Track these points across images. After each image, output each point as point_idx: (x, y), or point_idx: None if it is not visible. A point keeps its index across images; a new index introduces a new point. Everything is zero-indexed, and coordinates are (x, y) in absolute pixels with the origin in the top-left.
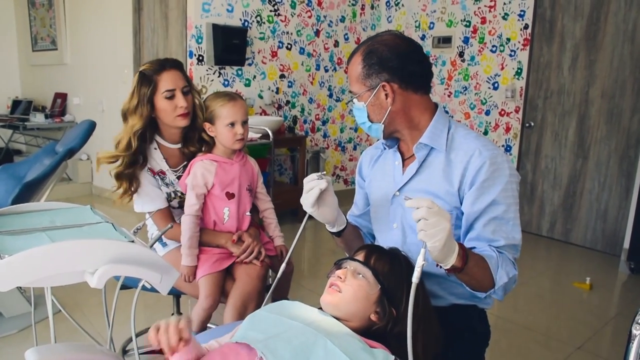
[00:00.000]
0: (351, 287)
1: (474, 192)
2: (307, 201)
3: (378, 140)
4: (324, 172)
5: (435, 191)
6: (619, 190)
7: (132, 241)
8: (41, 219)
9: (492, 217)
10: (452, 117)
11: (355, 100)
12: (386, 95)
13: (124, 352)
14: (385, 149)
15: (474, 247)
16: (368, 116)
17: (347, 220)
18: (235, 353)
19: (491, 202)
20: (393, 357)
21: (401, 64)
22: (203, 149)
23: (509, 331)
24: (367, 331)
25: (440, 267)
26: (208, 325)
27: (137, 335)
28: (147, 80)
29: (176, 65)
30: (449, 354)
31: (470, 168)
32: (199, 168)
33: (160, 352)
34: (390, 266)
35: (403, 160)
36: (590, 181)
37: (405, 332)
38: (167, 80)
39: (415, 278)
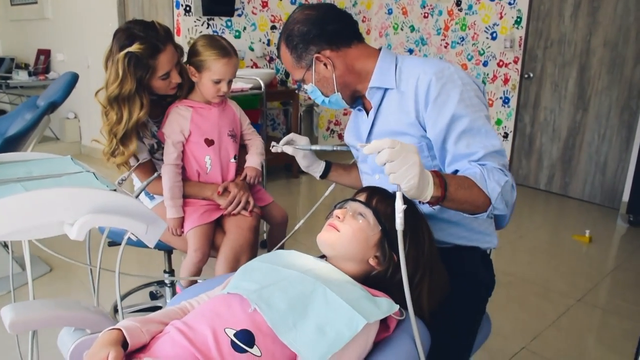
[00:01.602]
0: (350, 227)
1: (430, 113)
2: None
3: None
4: (273, 144)
5: (397, 128)
6: (619, 142)
7: (114, 190)
8: (17, 170)
9: (460, 131)
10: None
11: (304, 86)
12: (325, 65)
13: (115, 310)
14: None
15: (457, 171)
16: (322, 93)
17: (331, 165)
18: (227, 305)
19: (452, 118)
20: (397, 305)
21: (320, 30)
22: (177, 94)
23: (509, 284)
24: (366, 278)
25: (422, 202)
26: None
27: (130, 293)
28: (142, 64)
29: (168, 37)
30: (451, 300)
31: (419, 92)
32: (173, 115)
33: (149, 310)
34: (392, 208)
35: (368, 113)
36: (590, 133)
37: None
38: (164, 63)
39: (399, 225)
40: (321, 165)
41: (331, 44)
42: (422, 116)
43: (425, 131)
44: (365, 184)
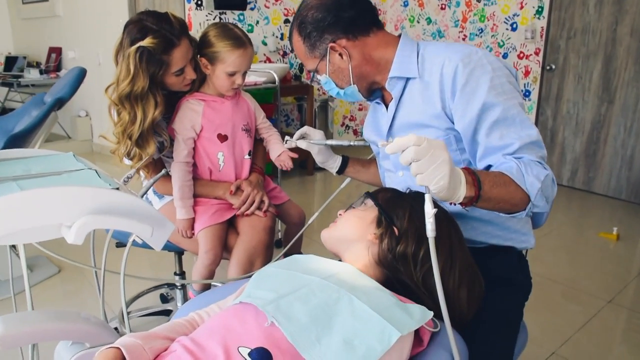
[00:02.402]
0: (348, 214)
1: (458, 102)
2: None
3: None
4: (287, 139)
5: (420, 120)
6: None
7: (117, 188)
8: (15, 167)
9: (492, 121)
10: None
11: (317, 76)
12: (340, 55)
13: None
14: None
15: (490, 166)
16: (336, 84)
17: (348, 160)
18: (240, 319)
19: (482, 107)
20: (431, 313)
21: (335, 17)
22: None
23: (535, 284)
24: (379, 270)
25: (454, 204)
26: (212, 284)
27: (140, 295)
28: (155, 60)
29: (183, 31)
30: (486, 306)
31: (445, 80)
32: (184, 109)
33: (160, 313)
34: (392, 194)
35: (387, 106)
36: (615, 126)
37: (410, 254)
38: (179, 59)
39: (430, 232)
40: (338, 161)
41: (347, 32)
42: (449, 107)
43: (453, 123)
44: (388, 181)
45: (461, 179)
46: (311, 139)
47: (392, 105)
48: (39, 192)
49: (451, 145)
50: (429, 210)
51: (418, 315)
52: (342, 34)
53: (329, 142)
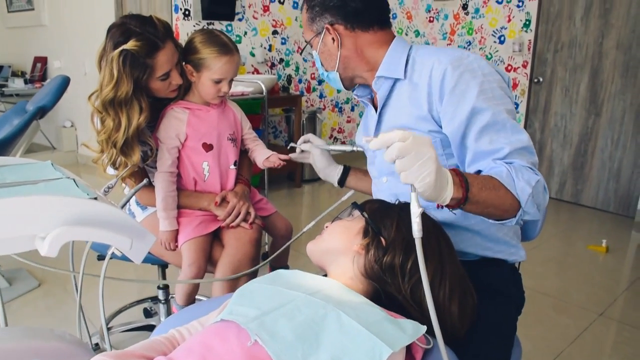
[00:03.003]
0: (334, 225)
1: (446, 105)
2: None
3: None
4: (291, 144)
5: (405, 123)
6: (634, 148)
7: (95, 198)
8: None
9: (482, 126)
10: None
11: (311, 50)
12: (333, 39)
13: (107, 329)
14: (368, 104)
15: (480, 171)
16: (322, 65)
17: (349, 169)
18: (220, 337)
19: (472, 111)
20: (424, 327)
21: (342, 1)
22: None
23: (527, 297)
24: (367, 285)
25: (442, 207)
26: (196, 297)
27: (123, 310)
28: (138, 63)
29: (168, 34)
30: (480, 321)
31: (433, 83)
32: (168, 118)
33: (143, 329)
34: (379, 205)
35: (376, 108)
36: (602, 139)
37: (398, 264)
38: (163, 62)
39: (416, 232)
40: (339, 169)
41: (347, 20)
42: (436, 109)
43: (440, 127)
44: (374, 188)
45: (448, 179)
46: (314, 144)
47: (378, 105)
48: (12, 201)
49: (437, 150)
50: (415, 210)
51: (410, 330)
52: (342, 20)
53: (333, 147)
